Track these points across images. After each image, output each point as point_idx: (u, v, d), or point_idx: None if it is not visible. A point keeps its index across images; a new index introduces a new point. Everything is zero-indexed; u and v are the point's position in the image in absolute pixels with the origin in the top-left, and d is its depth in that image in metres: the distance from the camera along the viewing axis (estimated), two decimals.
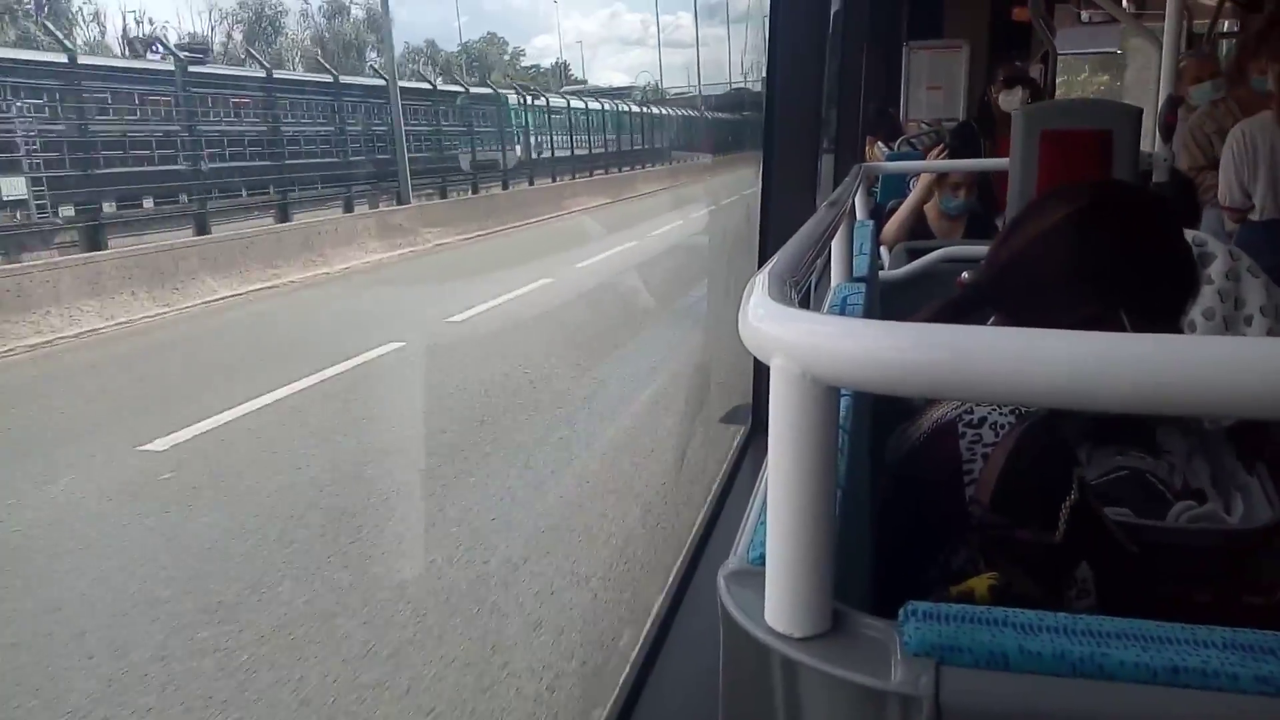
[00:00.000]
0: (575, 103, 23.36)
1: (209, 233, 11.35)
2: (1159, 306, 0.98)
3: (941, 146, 3.34)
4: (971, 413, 0.86)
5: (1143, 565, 0.77)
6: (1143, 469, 0.91)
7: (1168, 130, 2.61)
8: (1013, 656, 0.41)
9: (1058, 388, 0.37)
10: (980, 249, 1.75)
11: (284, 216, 12.95)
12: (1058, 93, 7.41)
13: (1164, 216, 1.04)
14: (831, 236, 1.06)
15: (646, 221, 14.68)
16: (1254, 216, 2.86)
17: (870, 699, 0.41)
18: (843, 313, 1.09)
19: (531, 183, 19.79)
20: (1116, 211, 1.00)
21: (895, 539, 0.83)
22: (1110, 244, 0.97)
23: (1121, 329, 0.92)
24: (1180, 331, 1.18)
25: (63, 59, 10.57)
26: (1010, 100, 3.71)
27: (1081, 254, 0.98)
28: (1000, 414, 0.84)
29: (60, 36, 12.06)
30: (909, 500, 0.90)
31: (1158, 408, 0.36)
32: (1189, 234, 1.50)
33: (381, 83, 16.05)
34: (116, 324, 8.27)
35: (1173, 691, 0.39)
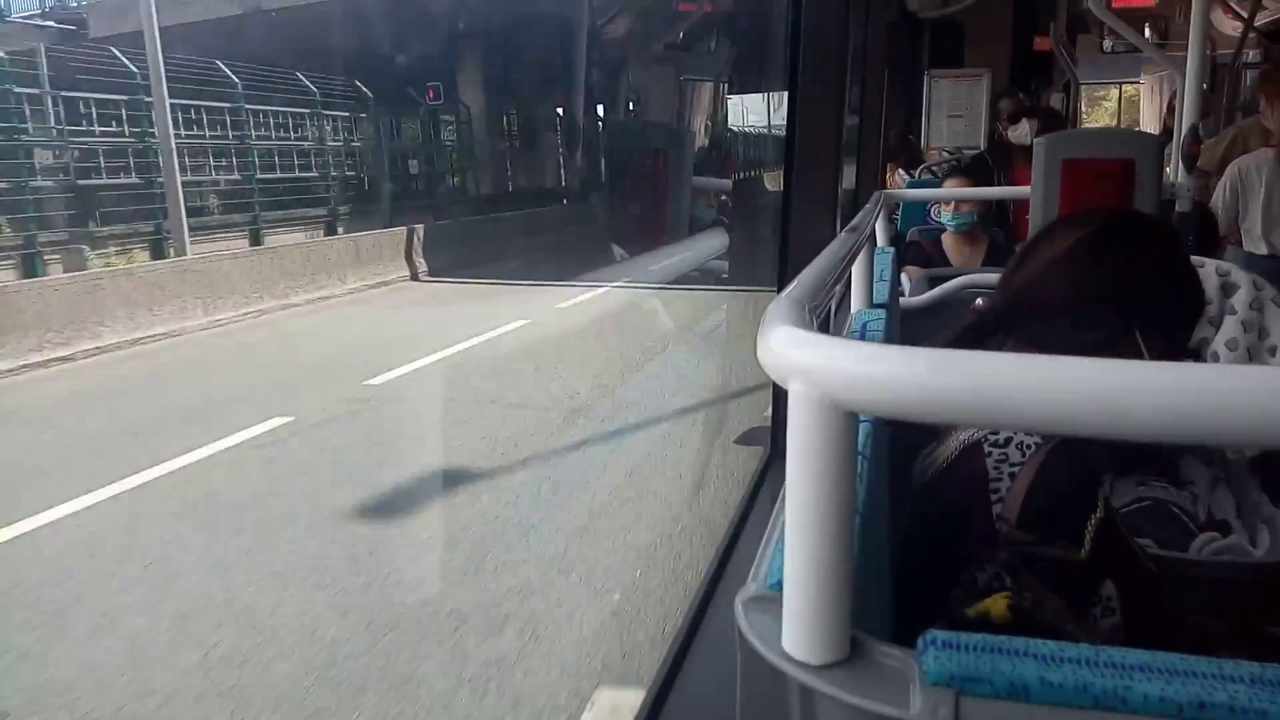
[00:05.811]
0: None
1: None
2: (1169, 326, 1.00)
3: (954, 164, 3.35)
4: (997, 432, 0.86)
5: (1166, 596, 0.76)
6: (1166, 499, 0.90)
7: (1190, 160, 2.60)
8: (1034, 688, 0.40)
9: (1077, 415, 0.36)
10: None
11: None
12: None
13: (1171, 240, 1.08)
14: (852, 262, 1.06)
15: None
16: (1248, 249, 2.93)
17: None
18: (862, 339, 1.08)
19: None
20: (1125, 236, 1.02)
21: (918, 565, 0.83)
22: (1120, 267, 0.99)
23: (1135, 348, 0.93)
24: (1191, 351, 1.20)
25: None
26: (1020, 134, 3.70)
27: (1092, 278, 0.99)
28: (1026, 433, 0.84)
29: None
30: (933, 523, 0.90)
31: (1179, 437, 0.36)
32: (1215, 264, 1.49)
33: None
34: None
35: None
